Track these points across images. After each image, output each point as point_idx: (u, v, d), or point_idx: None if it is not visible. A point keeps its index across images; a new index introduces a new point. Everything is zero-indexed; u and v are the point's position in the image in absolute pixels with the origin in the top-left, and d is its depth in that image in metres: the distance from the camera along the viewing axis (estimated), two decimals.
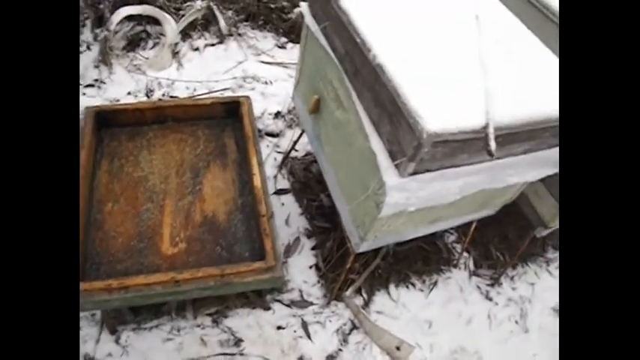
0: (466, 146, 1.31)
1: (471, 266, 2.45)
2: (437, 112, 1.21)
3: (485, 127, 1.23)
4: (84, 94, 2.88)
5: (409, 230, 1.73)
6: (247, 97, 2.07)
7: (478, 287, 2.38)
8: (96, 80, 2.98)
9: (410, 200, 1.42)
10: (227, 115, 2.12)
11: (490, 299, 2.35)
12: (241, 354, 2.01)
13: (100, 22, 3.16)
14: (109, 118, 2.03)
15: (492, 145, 1.22)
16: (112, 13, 3.10)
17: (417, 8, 1.57)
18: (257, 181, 1.76)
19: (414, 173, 1.34)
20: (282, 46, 3.40)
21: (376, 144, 1.41)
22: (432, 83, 1.29)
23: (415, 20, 1.52)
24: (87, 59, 3.06)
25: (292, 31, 3.47)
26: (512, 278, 2.44)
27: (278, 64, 3.23)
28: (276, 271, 1.55)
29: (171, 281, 1.50)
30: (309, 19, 1.84)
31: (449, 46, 1.44)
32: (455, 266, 2.43)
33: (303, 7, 1.90)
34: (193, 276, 1.50)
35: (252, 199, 1.79)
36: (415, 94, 1.24)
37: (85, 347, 1.97)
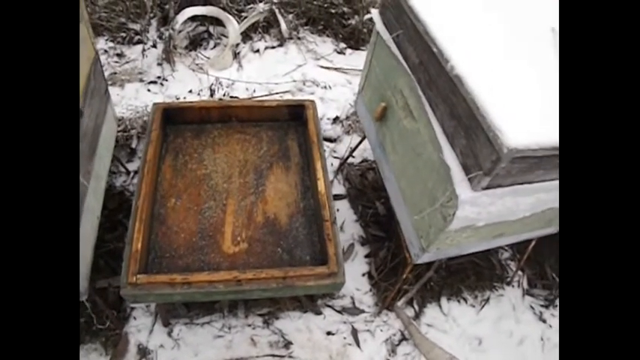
0: (542, 163, 1.28)
1: (525, 285, 2.39)
2: (516, 126, 1.19)
3: None
4: (149, 90, 2.95)
5: (471, 244, 1.70)
6: (312, 102, 2.08)
7: (531, 307, 2.32)
8: (159, 77, 3.05)
9: (480, 215, 1.40)
10: (291, 118, 2.13)
11: (544, 321, 2.28)
12: (290, 357, 2.01)
13: (165, 21, 3.24)
14: (175, 114, 2.07)
15: None
16: (177, 13, 3.18)
17: (494, 19, 1.55)
18: (321, 186, 1.76)
19: (487, 188, 1.33)
20: (340, 52, 3.41)
21: (449, 156, 1.40)
22: (510, 97, 1.27)
23: (492, 31, 1.50)
24: (151, 57, 3.14)
25: (351, 37, 3.48)
26: None
27: (337, 69, 3.24)
28: (338, 277, 1.54)
29: (233, 280, 1.51)
30: (379, 27, 1.84)
31: (526, 59, 1.41)
32: (508, 284, 2.37)
33: (374, 14, 1.89)
34: (256, 276, 1.51)
35: (315, 203, 1.79)
36: (494, 108, 1.22)
37: (139, 336, 2.01)
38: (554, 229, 1.87)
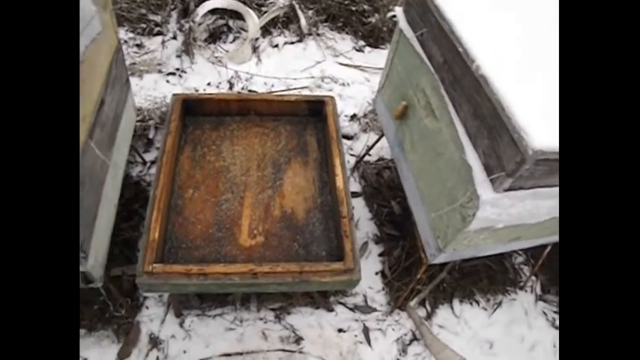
0: None
1: (538, 290, 2.37)
2: (541, 128, 1.17)
3: None
4: (167, 81, 2.97)
5: (488, 246, 1.69)
6: (332, 98, 2.08)
7: (544, 313, 2.30)
8: (177, 69, 3.06)
9: (501, 216, 1.39)
10: (310, 114, 2.13)
11: (556, 327, 2.26)
12: (300, 352, 2.01)
13: (186, 13, 3.25)
14: (194, 106, 2.07)
15: None
16: (197, 5, 3.19)
17: (521, 18, 1.54)
18: (339, 182, 1.76)
19: (509, 189, 1.31)
20: (359, 49, 3.40)
21: (471, 156, 1.39)
22: (536, 98, 1.26)
23: (518, 31, 1.48)
24: (171, 48, 3.15)
25: (371, 35, 3.47)
26: None
27: (356, 66, 3.23)
28: (354, 273, 1.54)
29: (249, 273, 1.51)
30: (403, 25, 1.83)
31: (551, 59, 1.40)
32: (521, 288, 2.35)
33: (398, 12, 1.89)
34: (272, 270, 1.51)
35: (333, 199, 1.79)
36: (520, 109, 1.21)
37: (151, 326, 2.01)
38: None
